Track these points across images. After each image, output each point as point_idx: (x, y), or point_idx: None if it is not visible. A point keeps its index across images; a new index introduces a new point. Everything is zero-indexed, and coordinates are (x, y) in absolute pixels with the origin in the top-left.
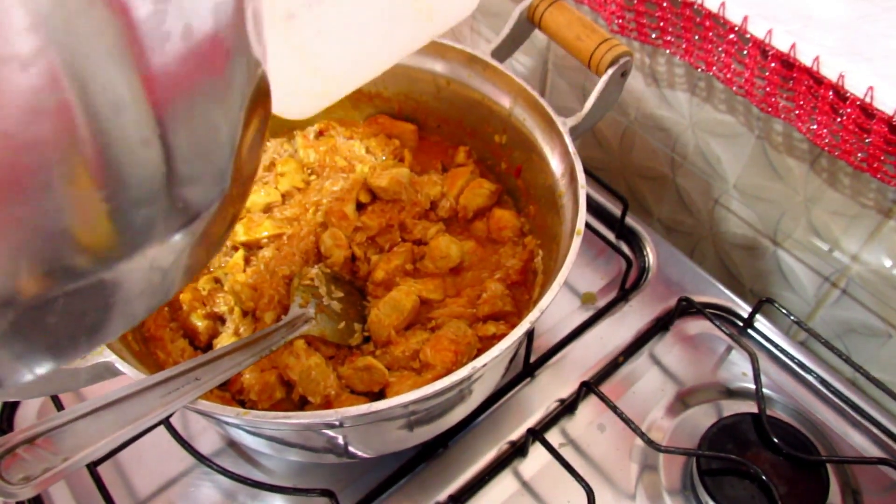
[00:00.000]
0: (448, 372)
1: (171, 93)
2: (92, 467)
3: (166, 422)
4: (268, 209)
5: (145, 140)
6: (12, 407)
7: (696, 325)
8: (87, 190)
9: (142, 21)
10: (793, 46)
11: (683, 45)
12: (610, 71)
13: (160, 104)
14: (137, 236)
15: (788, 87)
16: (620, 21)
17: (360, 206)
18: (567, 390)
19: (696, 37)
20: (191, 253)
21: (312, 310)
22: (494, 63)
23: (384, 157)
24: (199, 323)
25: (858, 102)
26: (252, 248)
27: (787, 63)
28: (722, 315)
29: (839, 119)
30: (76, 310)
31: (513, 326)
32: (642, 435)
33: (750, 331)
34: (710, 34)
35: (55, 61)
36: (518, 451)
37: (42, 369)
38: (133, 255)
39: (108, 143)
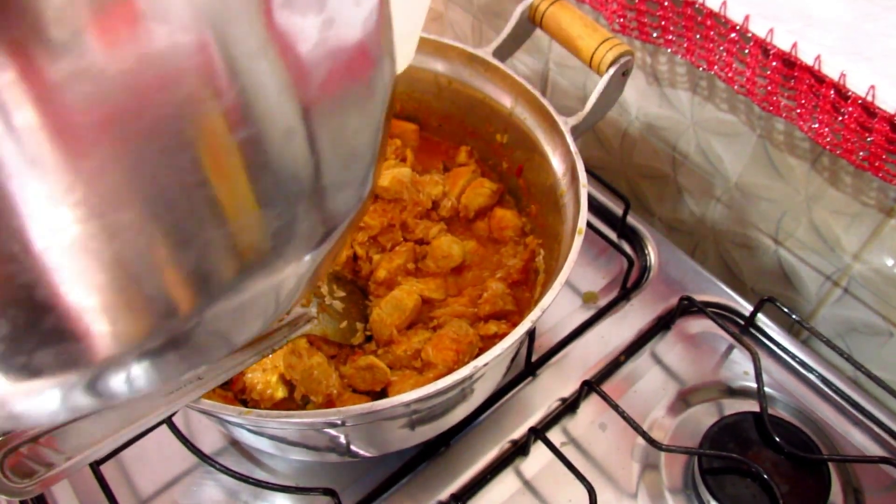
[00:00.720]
0: (450, 371)
1: (319, 92)
2: (95, 466)
3: (169, 421)
4: None
5: (292, 133)
6: None
7: (698, 325)
8: (240, 183)
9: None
10: (794, 45)
11: (685, 45)
12: (611, 70)
13: (308, 101)
14: (282, 245)
15: (790, 86)
16: (622, 20)
17: None
18: (568, 389)
19: (698, 36)
20: (307, 279)
21: (314, 309)
22: (496, 62)
23: (386, 157)
24: None
25: (860, 101)
26: None
27: (789, 62)
28: (723, 314)
29: (841, 118)
30: (201, 336)
31: (514, 325)
32: (644, 434)
33: (751, 330)
34: (712, 33)
35: (209, 44)
36: (520, 449)
37: (142, 393)
38: (275, 269)
39: (259, 133)
